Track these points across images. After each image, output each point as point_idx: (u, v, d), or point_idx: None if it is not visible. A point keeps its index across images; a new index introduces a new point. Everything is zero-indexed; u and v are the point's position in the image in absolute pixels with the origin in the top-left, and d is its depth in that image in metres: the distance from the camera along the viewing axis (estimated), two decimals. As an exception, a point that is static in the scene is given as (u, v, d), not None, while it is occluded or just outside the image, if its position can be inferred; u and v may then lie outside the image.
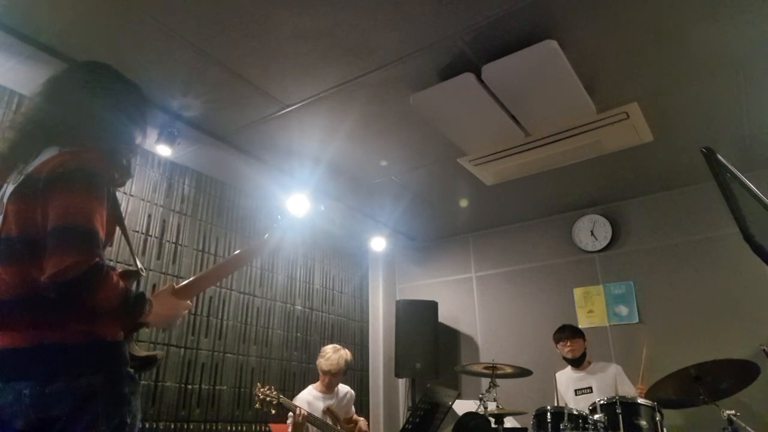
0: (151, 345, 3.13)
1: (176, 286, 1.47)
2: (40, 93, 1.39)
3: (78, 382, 1.16)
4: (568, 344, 3.55)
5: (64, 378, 1.15)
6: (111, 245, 1.36)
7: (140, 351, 1.40)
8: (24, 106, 1.40)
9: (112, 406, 1.19)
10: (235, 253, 1.68)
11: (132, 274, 1.44)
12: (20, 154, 1.32)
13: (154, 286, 3.25)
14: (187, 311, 1.49)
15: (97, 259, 1.16)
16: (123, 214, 1.47)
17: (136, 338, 1.51)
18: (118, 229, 1.38)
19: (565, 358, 3.60)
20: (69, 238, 1.15)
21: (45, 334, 1.17)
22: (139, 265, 1.46)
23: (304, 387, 3.57)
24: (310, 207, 3.81)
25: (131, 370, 1.28)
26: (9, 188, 1.29)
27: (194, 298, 2.87)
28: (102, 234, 1.21)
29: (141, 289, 3.09)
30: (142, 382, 2.97)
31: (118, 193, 1.41)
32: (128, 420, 1.22)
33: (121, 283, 1.21)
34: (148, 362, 1.42)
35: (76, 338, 1.19)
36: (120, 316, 1.26)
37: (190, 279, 1.53)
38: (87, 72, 1.46)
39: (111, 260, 2.93)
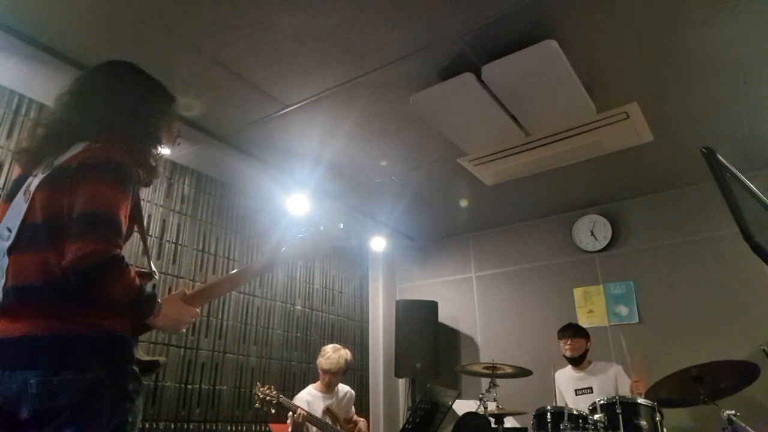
0: (151, 345, 3.13)
1: (188, 292, 1.48)
2: (67, 92, 1.42)
3: (85, 375, 1.16)
4: (569, 342, 3.58)
5: (72, 370, 1.15)
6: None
7: (143, 355, 1.40)
8: (52, 105, 1.43)
9: (116, 403, 1.19)
10: (245, 266, 1.68)
11: (144, 276, 1.44)
12: (49, 149, 1.34)
13: (153, 286, 3.24)
14: (194, 319, 1.49)
15: (118, 250, 1.17)
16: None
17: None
18: (135, 229, 1.39)
19: (564, 356, 3.62)
20: (93, 225, 1.17)
21: (56, 324, 1.17)
22: (153, 268, 1.46)
23: (304, 387, 3.58)
24: (334, 226, 3.76)
25: (136, 369, 1.28)
26: (37, 179, 1.30)
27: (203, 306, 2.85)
28: (124, 226, 1.23)
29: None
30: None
31: None
32: (130, 419, 1.22)
33: (138, 280, 1.22)
34: (150, 367, 1.42)
35: (86, 331, 1.19)
36: (130, 312, 1.27)
37: (201, 286, 1.54)
38: (111, 72, 1.50)
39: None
